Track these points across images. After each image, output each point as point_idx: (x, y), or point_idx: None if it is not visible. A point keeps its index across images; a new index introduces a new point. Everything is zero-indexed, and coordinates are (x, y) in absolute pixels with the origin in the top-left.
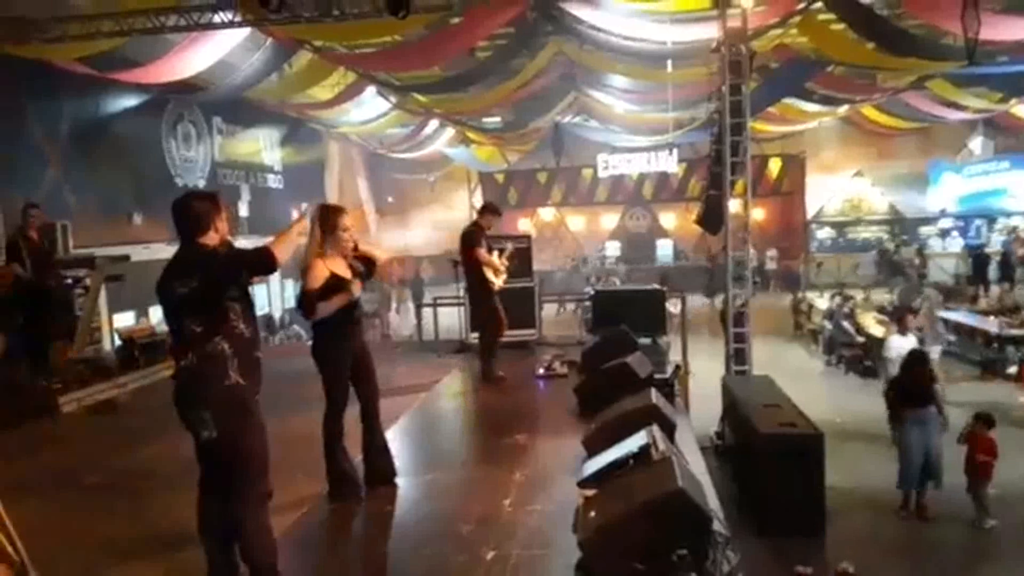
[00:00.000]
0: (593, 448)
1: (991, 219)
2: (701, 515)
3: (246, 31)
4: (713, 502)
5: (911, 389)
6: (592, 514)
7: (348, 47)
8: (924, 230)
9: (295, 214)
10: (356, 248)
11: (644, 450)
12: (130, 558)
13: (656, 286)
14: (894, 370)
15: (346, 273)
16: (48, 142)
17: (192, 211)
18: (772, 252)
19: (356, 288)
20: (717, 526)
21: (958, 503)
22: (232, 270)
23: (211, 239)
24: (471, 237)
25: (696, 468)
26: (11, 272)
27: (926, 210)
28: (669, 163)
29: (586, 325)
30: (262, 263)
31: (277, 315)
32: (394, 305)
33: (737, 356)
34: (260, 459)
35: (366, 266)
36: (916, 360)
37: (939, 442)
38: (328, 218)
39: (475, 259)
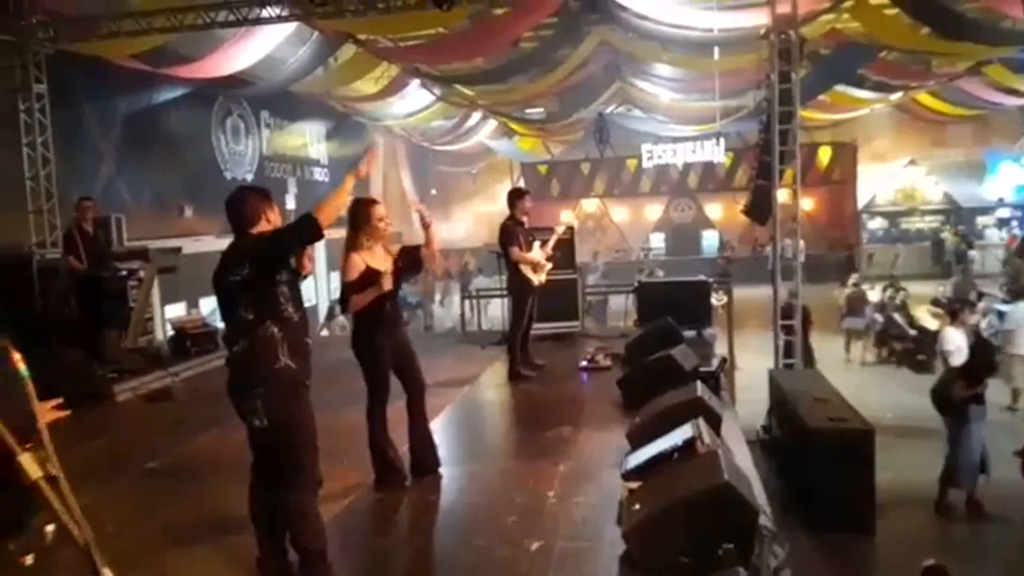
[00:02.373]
0: (637, 441)
1: None
2: (748, 509)
3: (293, 25)
4: (760, 496)
5: (978, 383)
6: (636, 507)
7: (393, 40)
8: (981, 220)
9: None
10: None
11: (689, 443)
12: (186, 542)
13: (702, 277)
14: (956, 361)
15: (386, 265)
16: (103, 137)
17: (243, 204)
18: (802, 245)
19: (387, 281)
20: (764, 520)
21: (1007, 499)
22: (279, 245)
23: (264, 230)
24: (506, 234)
25: (743, 462)
26: (68, 264)
27: (983, 199)
28: (715, 152)
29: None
30: (307, 229)
31: (324, 306)
32: (438, 297)
33: (786, 349)
34: (309, 445)
35: (412, 256)
36: (985, 350)
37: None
38: (360, 211)
39: (509, 258)
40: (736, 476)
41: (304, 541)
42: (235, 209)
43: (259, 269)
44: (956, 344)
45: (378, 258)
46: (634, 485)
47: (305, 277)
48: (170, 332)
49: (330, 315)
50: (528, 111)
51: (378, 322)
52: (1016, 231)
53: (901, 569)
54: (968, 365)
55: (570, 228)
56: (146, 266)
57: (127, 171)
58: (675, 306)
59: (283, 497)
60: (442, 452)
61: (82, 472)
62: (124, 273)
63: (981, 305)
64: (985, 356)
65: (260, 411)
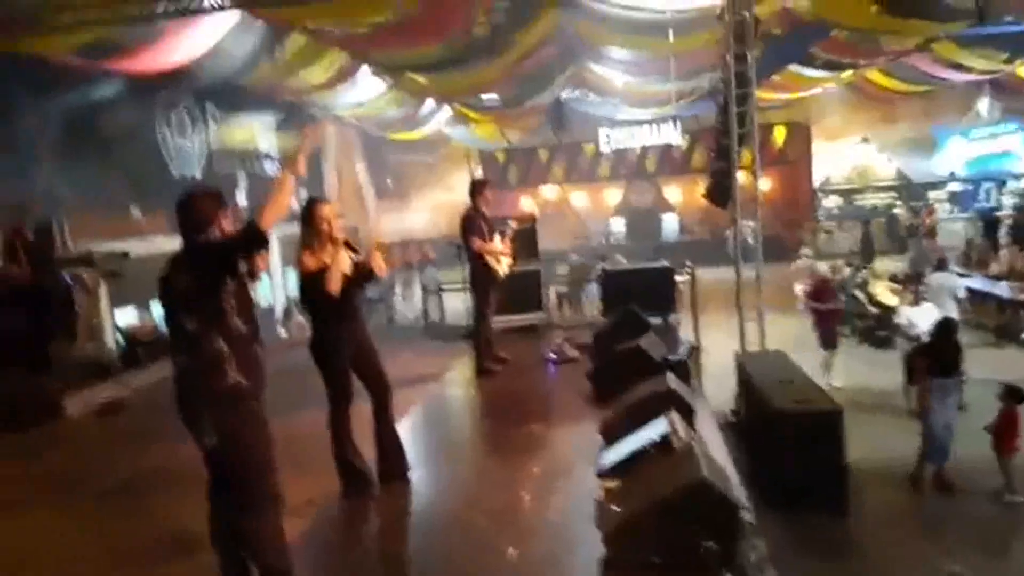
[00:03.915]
0: (611, 436)
1: (1001, 183)
2: (728, 505)
3: (236, 15)
4: (737, 488)
5: (940, 359)
6: (614, 508)
7: (341, 28)
8: (933, 195)
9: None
10: (349, 245)
11: (665, 438)
12: (143, 564)
13: (664, 263)
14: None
15: (338, 263)
16: (40, 137)
17: (192, 208)
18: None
19: (332, 280)
20: (744, 515)
21: (977, 473)
22: (223, 257)
23: (211, 238)
24: (467, 224)
25: (718, 454)
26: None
27: (934, 174)
28: (673, 135)
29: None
30: (251, 239)
31: (280, 305)
32: (398, 290)
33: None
34: (264, 463)
35: (365, 271)
36: (946, 329)
37: (955, 412)
38: (306, 212)
39: (472, 248)
40: (714, 471)
41: (267, 561)
42: (184, 213)
43: (203, 282)
44: (909, 319)
45: (330, 255)
46: (611, 484)
47: (258, 278)
48: (120, 340)
49: (287, 315)
50: (484, 97)
51: (337, 323)
52: (936, 209)
53: (875, 547)
54: (929, 344)
55: (532, 217)
56: (91, 271)
57: (68, 172)
58: (640, 293)
59: (240, 518)
60: (411, 455)
61: (32, 494)
62: (69, 280)
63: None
64: (944, 336)
65: (208, 431)
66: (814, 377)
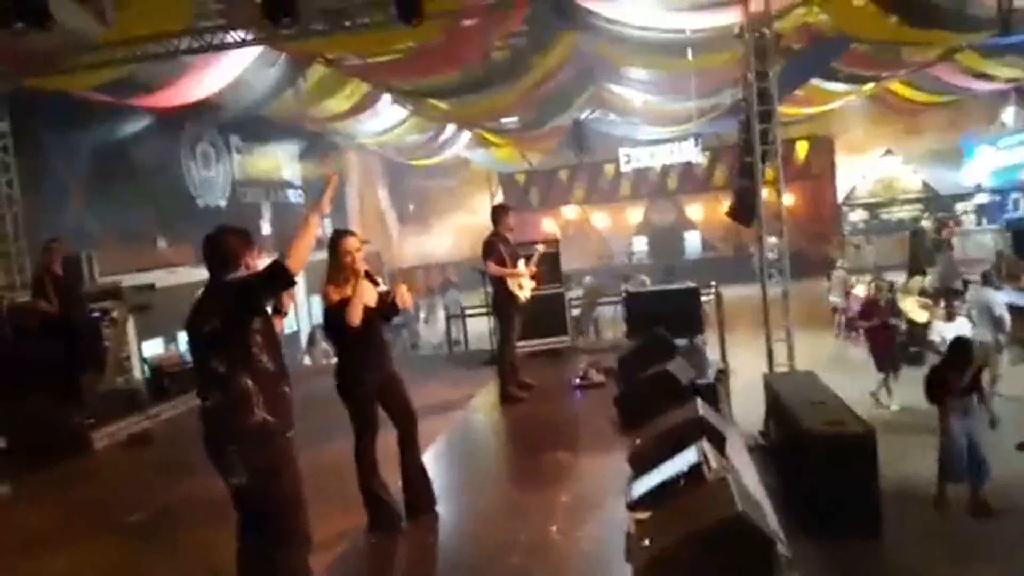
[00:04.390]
0: (640, 466)
1: None
2: (763, 539)
3: (258, 49)
4: (772, 519)
5: (955, 377)
6: (646, 541)
7: (361, 57)
8: (960, 206)
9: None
10: (371, 277)
11: (696, 468)
12: None
13: (690, 284)
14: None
15: (362, 295)
16: (69, 173)
17: (220, 245)
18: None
19: (353, 313)
20: (780, 548)
21: (1013, 492)
22: (248, 298)
23: (237, 276)
24: (486, 248)
25: (750, 482)
26: (38, 308)
27: (961, 186)
28: (693, 153)
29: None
30: (278, 278)
31: (306, 332)
32: (422, 315)
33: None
34: (294, 500)
35: (390, 304)
36: (962, 347)
37: (980, 432)
38: (331, 245)
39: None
40: (748, 504)
41: None
42: (212, 250)
43: (230, 322)
44: (942, 336)
45: (352, 288)
46: (641, 516)
47: (285, 314)
48: (147, 372)
49: (311, 341)
50: (503, 121)
51: (361, 355)
52: (961, 222)
53: (910, 571)
54: (946, 362)
55: (555, 240)
56: (119, 305)
57: (96, 205)
58: (665, 315)
59: (269, 555)
60: (437, 486)
61: (60, 529)
62: (96, 314)
63: (968, 294)
64: (960, 353)
65: (238, 468)
66: (849, 399)
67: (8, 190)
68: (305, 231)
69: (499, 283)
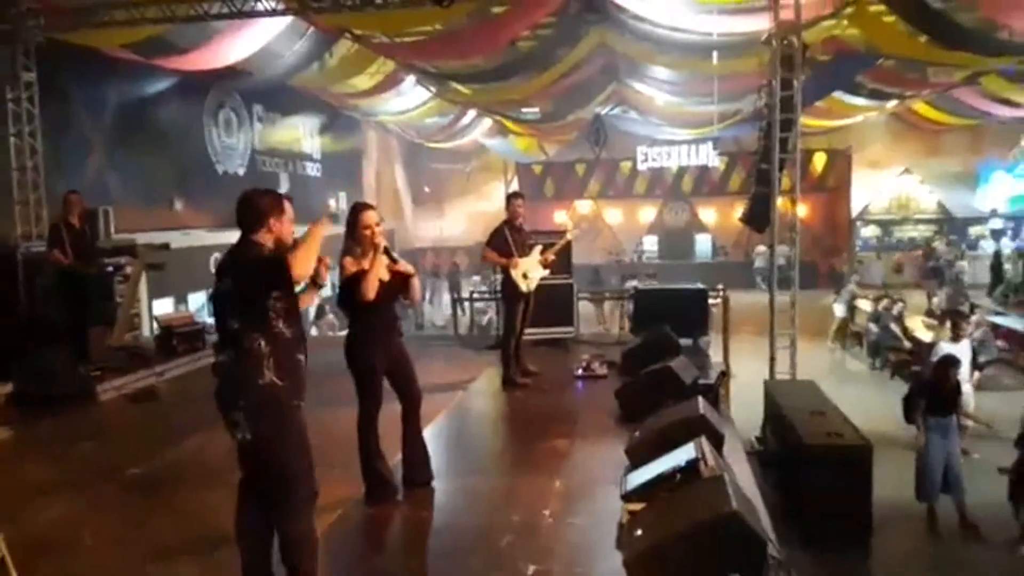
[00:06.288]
0: (637, 458)
1: None
2: (756, 539)
3: (288, 20)
4: (765, 521)
5: (937, 395)
6: (638, 532)
7: (389, 36)
8: (974, 230)
9: (331, 203)
10: (388, 253)
11: (693, 465)
12: (168, 556)
13: (700, 285)
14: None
15: (376, 271)
16: (92, 128)
17: (249, 205)
18: (761, 248)
19: (368, 287)
20: (771, 550)
21: (992, 520)
22: (253, 281)
23: (264, 238)
24: (491, 235)
25: (745, 482)
26: (53, 258)
27: (976, 210)
28: (710, 157)
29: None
30: (278, 276)
31: (313, 304)
32: (428, 295)
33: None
34: (297, 463)
35: (403, 280)
36: (945, 364)
37: (957, 451)
38: (351, 217)
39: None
40: (743, 503)
41: (295, 560)
42: (241, 207)
43: (239, 290)
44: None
45: (370, 261)
46: (635, 507)
47: (322, 286)
48: (157, 329)
49: (319, 314)
50: (524, 110)
51: (372, 328)
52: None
53: None
54: (927, 382)
55: (564, 231)
56: (133, 262)
57: (116, 162)
58: (672, 314)
59: (272, 515)
60: (435, 463)
61: (62, 479)
62: (110, 269)
63: (975, 317)
64: (942, 373)
65: (243, 425)
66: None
67: (31, 140)
68: (312, 239)
69: (505, 271)
